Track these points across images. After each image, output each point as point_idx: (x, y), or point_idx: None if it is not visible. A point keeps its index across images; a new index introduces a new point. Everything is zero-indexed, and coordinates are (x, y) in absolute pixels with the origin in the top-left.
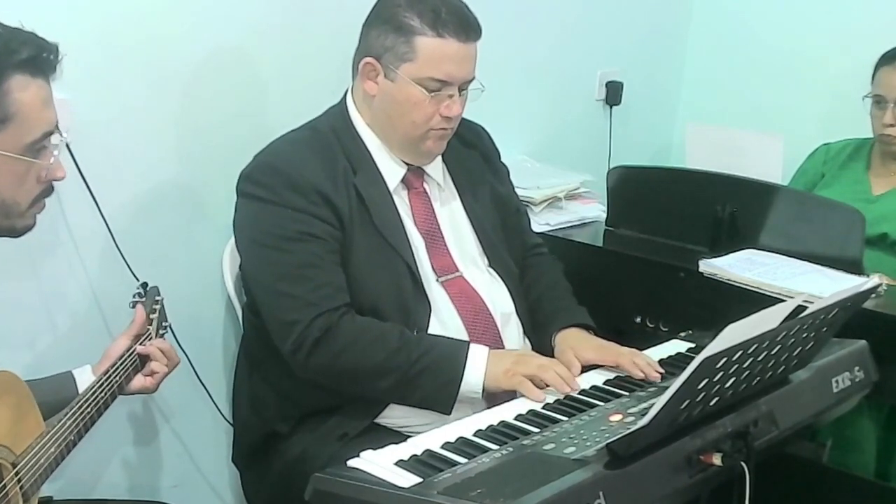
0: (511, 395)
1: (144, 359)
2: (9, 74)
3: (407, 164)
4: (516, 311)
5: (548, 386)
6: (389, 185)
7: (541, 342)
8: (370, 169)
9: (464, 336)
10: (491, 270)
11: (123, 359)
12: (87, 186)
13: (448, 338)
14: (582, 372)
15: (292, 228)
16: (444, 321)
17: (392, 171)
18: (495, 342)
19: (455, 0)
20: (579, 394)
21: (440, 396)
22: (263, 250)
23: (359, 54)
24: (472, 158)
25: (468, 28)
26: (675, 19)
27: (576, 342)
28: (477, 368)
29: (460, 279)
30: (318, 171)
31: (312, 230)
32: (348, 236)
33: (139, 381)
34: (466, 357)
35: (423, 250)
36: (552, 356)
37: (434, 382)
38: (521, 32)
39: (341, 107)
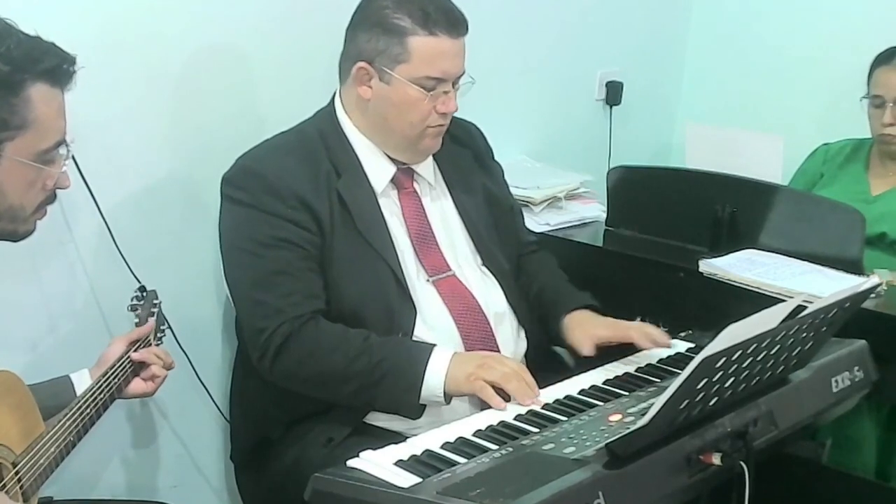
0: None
1: (141, 364)
2: (31, 83)
3: (397, 164)
4: (511, 308)
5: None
6: (377, 187)
7: (549, 330)
8: (356, 172)
9: (455, 335)
10: (484, 269)
11: (122, 361)
12: (87, 186)
13: (415, 342)
14: (596, 356)
15: (268, 234)
16: (431, 323)
17: (381, 172)
18: (488, 340)
19: None
20: (579, 393)
21: (403, 402)
22: (240, 255)
23: (348, 59)
24: (464, 157)
25: (457, 23)
26: (675, 19)
27: (585, 321)
28: (437, 372)
29: (452, 278)
30: (299, 176)
31: (288, 236)
32: (328, 241)
33: (138, 385)
34: (427, 361)
35: (409, 252)
36: (560, 341)
37: (394, 388)
38: (521, 32)
39: (329, 109)
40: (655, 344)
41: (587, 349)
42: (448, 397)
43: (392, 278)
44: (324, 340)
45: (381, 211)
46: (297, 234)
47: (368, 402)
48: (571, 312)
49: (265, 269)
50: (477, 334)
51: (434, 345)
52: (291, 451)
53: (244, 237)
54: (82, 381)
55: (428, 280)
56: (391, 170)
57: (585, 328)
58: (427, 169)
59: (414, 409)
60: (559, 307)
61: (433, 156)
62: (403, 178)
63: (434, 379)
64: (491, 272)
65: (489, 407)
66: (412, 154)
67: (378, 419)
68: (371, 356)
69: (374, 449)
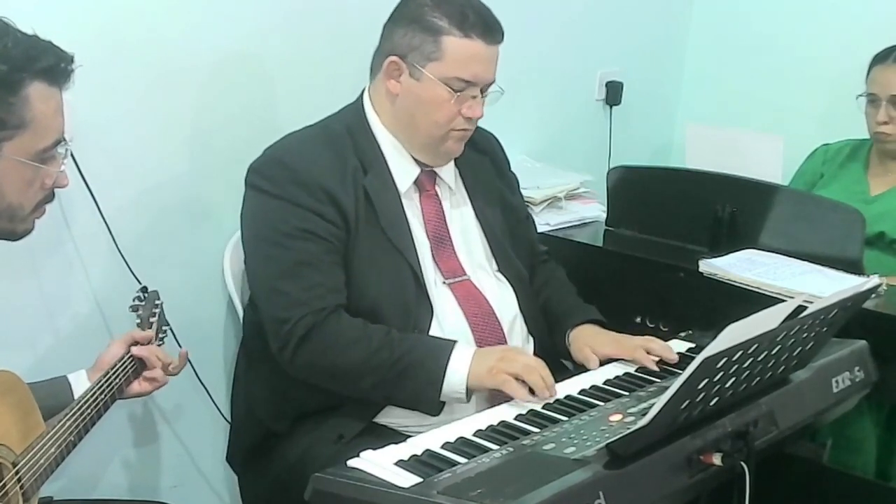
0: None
1: (143, 365)
2: (29, 81)
3: (421, 166)
4: (522, 314)
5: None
6: (401, 187)
7: (554, 340)
8: (381, 170)
9: (469, 339)
10: (499, 275)
11: (124, 362)
12: (88, 187)
13: (436, 338)
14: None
15: (293, 225)
16: (447, 325)
17: (405, 172)
18: (500, 345)
19: (479, 3)
20: (579, 393)
21: (423, 397)
22: (263, 245)
23: (381, 53)
24: (484, 165)
25: (494, 30)
26: (675, 19)
27: (591, 338)
28: (460, 369)
29: (468, 282)
30: (327, 169)
31: (313, 228)
32: (352, 236)
33: (137, 386)
34: (449, 357)
35: (427, 254)
36: (567, 354)
37: (415, 383)
38: (521, 32)
39: (357, 105)
40: (660, 357)
41: (592, 366)
42: (469, 394)
43: (412, 278)
44: (345, 333)
45: (404, 211)
46: (323, 228)
47: (388, 397)
48: (577, 327)
49: (290, 259)
50: (491, 339)
51: (455, 341)
52: (298, 447)
53: (270, 227)
54: (79, 383)
55: (444, 282)
56: (415, 171)
57: (592, 345)
58: (449, 174)
59: (434, 404)
60: (565, 321)
61: (455, 161)
62: (426, 180)
63: (456, 375)
64: (507, 279)
65: (492, 406)
66: (434, 156)
67: (390, 417)
68: (392, 350)
69: (375, 449)
